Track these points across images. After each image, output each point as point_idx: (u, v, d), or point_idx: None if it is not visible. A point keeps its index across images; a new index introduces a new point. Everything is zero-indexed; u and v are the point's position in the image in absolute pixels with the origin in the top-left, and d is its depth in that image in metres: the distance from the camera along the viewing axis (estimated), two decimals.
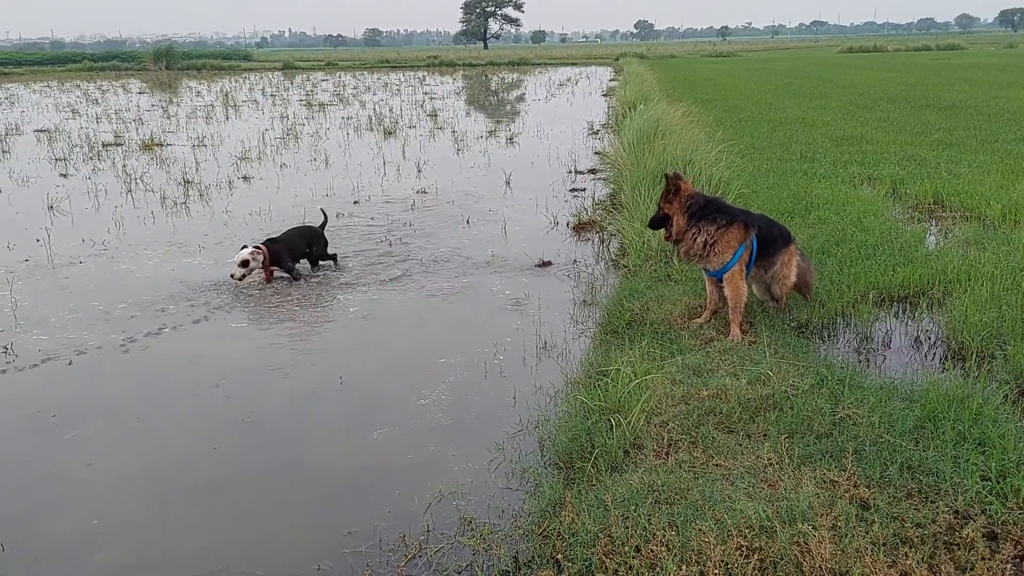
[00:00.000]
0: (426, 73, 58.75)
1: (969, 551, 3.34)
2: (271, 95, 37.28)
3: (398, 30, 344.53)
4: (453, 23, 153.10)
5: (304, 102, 32.72)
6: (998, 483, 3.75)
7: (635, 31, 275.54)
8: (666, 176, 6.11)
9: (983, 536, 3.42)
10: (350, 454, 5.01)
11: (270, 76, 56.73)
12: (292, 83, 47.77)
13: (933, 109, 20.17)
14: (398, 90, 39.82)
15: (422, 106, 29.65)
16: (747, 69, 45.97)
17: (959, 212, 9.33)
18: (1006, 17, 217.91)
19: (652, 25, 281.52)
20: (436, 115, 26.06)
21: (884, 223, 8.56)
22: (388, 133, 21.15)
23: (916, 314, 6.41)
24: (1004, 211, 8.84)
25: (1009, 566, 3.30)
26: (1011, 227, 8.37)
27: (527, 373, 6.03)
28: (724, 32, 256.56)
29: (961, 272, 6.85)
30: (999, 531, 3.49)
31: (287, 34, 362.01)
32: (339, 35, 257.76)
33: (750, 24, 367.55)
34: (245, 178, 14.79)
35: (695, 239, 5.98)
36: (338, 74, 59.14)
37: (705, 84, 33.21)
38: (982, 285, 6.43)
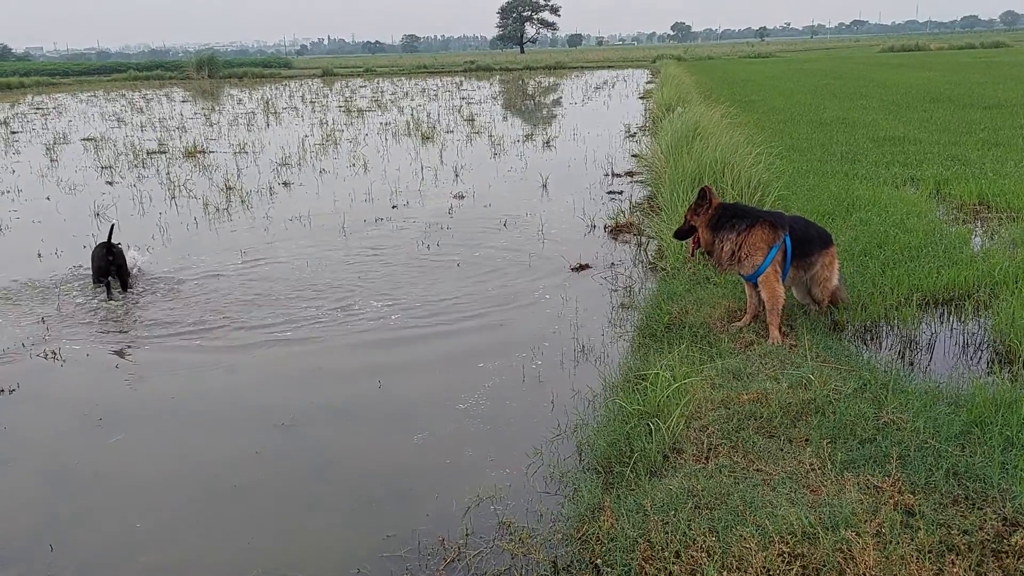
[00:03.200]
0: (463, 78, 58.99)
1: (1018, 559, 3.27)
2: (311, 102, 37.66)
3: (435, 36, 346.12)
4: (490, 28, 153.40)
5: (343, 108, 33.01)
6: None
7: (672, 33, 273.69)
8: (701, 190, 6.11)
9: None
10: (389, 458, 5.04)
11: (310, 83, 57.34)
12: (331, 90, 48.23)
13: (977, 108, 19.80)
14: (435, 95, 40.02)
15: (459, 111, 29.76)
16: (786, 70, 45.52)
17: (1005, 212, 9.15)
18: None
19: (689, 27, 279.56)
20: (473, 120, 26.15)
21: (928, 224, 8.42)
22: (426, 138, 21.25)
23: (962, 317, 6.30)
24: None
25: None
26: None
27: (565, 377, 6.02)
28: (762, 33, 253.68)
29: (1008, 274, 6.72)
30: None
31: (326, 41, 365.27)
32: (377, 41, 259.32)
33: (788, 24, 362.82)
34: (285, 184, 14.96)
35: (721, 248, 6.00)
36: (376, 80, 59.60)
37: (744, 85, 32.93)
38: None
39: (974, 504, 3.65)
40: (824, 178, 11.28)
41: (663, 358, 5.48)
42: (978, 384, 4.68)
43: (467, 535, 4.10)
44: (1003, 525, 3.49)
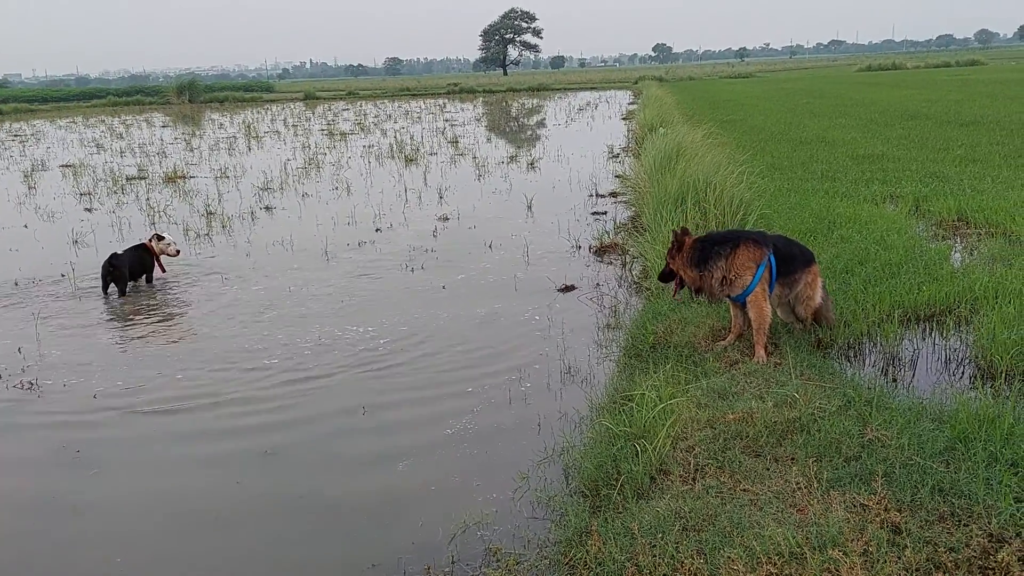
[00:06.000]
0: (446, 100, 59.16)
1: None
2: (293, 125, 37.65)
3: (418, 58, 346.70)
4: (472, 50, 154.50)
5: (326, 132, 32.99)
6: None
7: (654, 54, 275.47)
8: (673, 232, 6.18)
9: (1019, 560, 3.34)
10: (373, 486, 5.00)
11: (292, 107, 57.33)
12: (314, 113, 48.25)
13: (954, 125, 20.04)
14: (419, 118, 40.10)
15: (443, 133, 29.83)
16: (766, 89, 45.96)
17: (984, 228, 9.23)
18: None
19: (670, 48, 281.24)
20: (457, 142, 26.21)
21: (908, 241, 8.48)
22: (409, 161, 21.27)
23: (943, 333, 6.34)
24: None
25: None
26: None
27: (551, 399, 6.01)
28: (742, 53, 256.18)
29: (988, 289, 6.77)
30: None
31: (308, 65, 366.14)
32: (360, 64, 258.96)
33: (768, 45, 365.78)
34: (267, 208, 14.92)
35: (711, 281, 5.99)
36: (359, 103, 59.68)
37: (725, 105, 33.20)
38: (1010, 302, 6.34)
39: (960, 521, 3.66)
40: (805, 196, 11.36)
41: (649, 378, 5.47)
42: (961, 400, 4.69)
43: (453, 563, 4.06)
44: (989, 541, 3.49)
